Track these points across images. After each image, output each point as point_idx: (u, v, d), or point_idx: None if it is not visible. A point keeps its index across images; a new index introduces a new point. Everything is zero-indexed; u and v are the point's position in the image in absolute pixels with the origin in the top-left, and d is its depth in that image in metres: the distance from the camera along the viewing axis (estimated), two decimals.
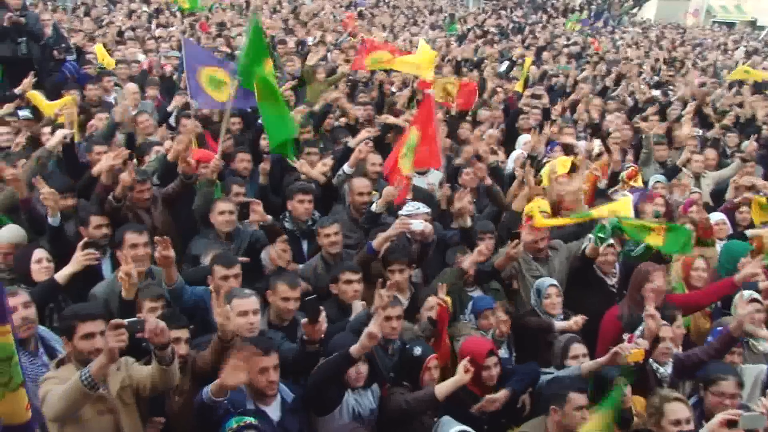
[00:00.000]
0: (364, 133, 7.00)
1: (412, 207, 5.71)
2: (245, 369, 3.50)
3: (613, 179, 7.46)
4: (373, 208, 5.73)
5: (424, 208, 5.75)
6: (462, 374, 3.99)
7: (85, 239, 4.71)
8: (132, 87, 8.77)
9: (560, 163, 7.20)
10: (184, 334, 3.96)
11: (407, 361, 4.30)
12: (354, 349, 3.81)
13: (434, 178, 7.28)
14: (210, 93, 6.70)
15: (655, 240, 5.39)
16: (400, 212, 5.61)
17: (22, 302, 3.90)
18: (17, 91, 8.14)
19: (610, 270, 5.67)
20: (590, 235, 5.48)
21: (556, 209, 6.30)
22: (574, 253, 5.70)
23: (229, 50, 11.93)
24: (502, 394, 4.28)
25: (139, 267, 4.52)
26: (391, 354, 4.55)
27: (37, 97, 7.66)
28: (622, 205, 5.82)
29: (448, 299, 4.81)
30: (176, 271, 4.44)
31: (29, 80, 8.14)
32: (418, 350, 4.27)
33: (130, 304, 4.14)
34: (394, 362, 4.45)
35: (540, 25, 23.98)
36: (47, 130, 6.83)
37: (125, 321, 3.31)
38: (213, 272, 4.59)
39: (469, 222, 5.74)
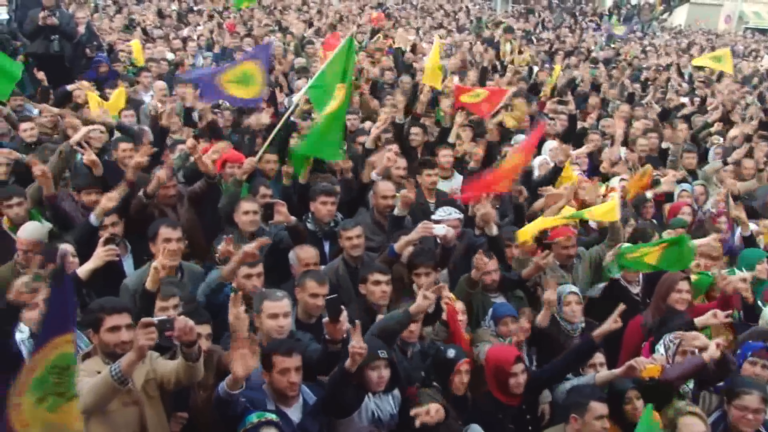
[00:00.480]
0: (374, 131, 7.17)
1: (444, 212, 5.73)
2: (252, 355, 3.51)
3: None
4: (396, 211, 5.75)
5: (456, 214, 5.76)
6: None
7: (106, 235, 4.78)
8: (160, 84, 8.89)
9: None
10: (205, 329, 3.99)
11: (439, 362, 4.30)
12: (348, 364, 3.78)
13: (458, 183, 7.27)
14: (234, 91, 6.69)
15: (650, 260, 5.32)
16: (432, 216, 5.62)
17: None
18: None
19: (634, 278, 5.64)
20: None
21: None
22: (595, 259, 5.65)
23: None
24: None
25: (171, 261, 4.60)
26: (410, 358, 4.55)
27: (94, 98, 7.78)
28: (610, 207, 5.77)
29: (452, 296, 4.82)
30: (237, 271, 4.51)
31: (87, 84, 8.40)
32: (451, 353, 4.27)
33: (151, 295, 4.21)
34: (427, 364, 4.45)
35: (568, 29, 23.82)
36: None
37: (155, 319, 3.37)
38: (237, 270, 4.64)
39: (494, 230, 5.70)
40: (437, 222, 5.63)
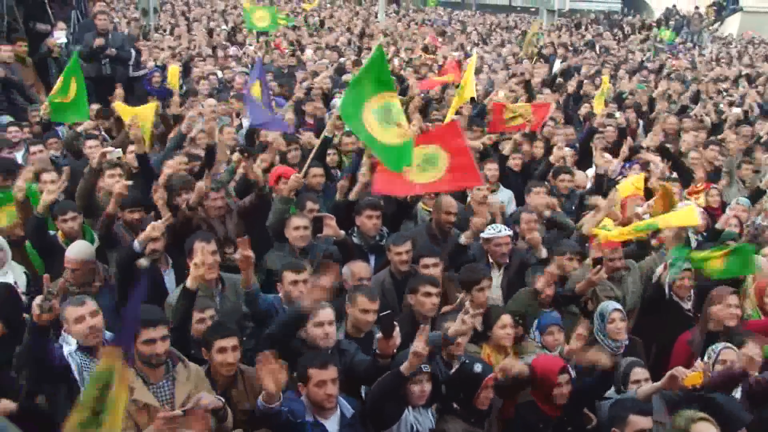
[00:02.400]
0: None
1: (494, 229, 5.69)
2: (278, 370, 3.53)
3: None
4: (461, 240, 5.63)
5: (505, 231, 5.73)
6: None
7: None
8: (210, 101, 9.09)
9: (631, 182, 7.00)
10: (232, 342, 4.01)
11: (465, 377, 4.20)
12: (404, 367, 3.81)
13: (504, 196, 7.24)
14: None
15: (715, 266, 5.21)
16: (482, 234, 5.61)
17: (89, 311, 3.98)
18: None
19: (686, 294, 5.50)
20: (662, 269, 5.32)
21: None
22: (646, 272, 5.54)
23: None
24: None
25: (209, 275, 4.67)
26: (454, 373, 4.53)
27: (121, 107, 8.00)
28: (688, 214, 5.63)
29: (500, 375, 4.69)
30: (254, 275, 4.54)
31: (119, 92, 8.65)
32: (478, 367, 4.16)
33: (191, 294, 4.27)
34: (450, 377, 4.38)
35: (615, 41, 23.54)
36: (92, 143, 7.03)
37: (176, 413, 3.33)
38: (282, 278, 4.69)
39: (544, 253, 5.65)
40: (488, 240, 5.64)
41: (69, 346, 4.04)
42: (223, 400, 3.67)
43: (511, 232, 5.82)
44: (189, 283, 4.27)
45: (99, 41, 10.04)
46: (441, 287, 4.90)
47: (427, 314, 4.75)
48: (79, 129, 7.69)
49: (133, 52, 10.90)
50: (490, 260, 5.77)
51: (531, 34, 18.22)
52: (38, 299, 3.44)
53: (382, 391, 3.90)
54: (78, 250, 4.92)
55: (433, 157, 5.70)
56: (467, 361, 4.27)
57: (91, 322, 3.97)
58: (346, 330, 4.56)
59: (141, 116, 7.42)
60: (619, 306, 5.09)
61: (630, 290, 5.53)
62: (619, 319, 4.96)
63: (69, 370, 3.88)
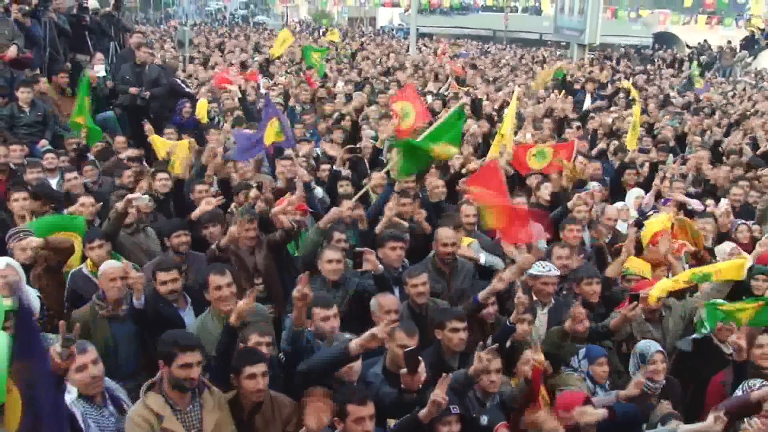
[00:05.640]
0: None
1: (543, 268, 5.57)
2: (326, 412, 3.53)
3: (720, 240, 7.15)
4: (506, 275, 5.19)
5: (554, 271, 5.60)
6: None
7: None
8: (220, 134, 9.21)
9: (659, 220, 6.88)
10: (261, 368, 3.95)
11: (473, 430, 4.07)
12: (422, 414, 3.76)
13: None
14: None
15: (746, 316, 5.04)
16: (529, 272, 5.51)
17: (92, 359, 3.87)
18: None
19: (727, 336, 5.28)
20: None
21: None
22: (689, 313, 5.40)
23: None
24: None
25: (225, 307, 4.65)
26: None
27: (157, 140, 8.19)
28: (737, 266, 5.49)
29: (542, 358, 4.57)
30: (306, 314, 4.48)
31: (149, 127, 8.92)
32: (484, 419, 4.05)
33: (233, 331, 4.27)
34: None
35: (645, 77, 23.40)
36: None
37: None
38: (313, 314, 4.66)
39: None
40: (535, 277, 5.55)
41: (70, 394, 3.85)
42: None
43: (558, 272, 5.67)
44: (232, 319, 4.26)
45: (134, 90, 10.45)
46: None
47: (455, 349, 4.69)
48: (122, 156, 8.02)
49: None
50: (534, 297, 5.57)
51: (553, 68, 18.20)
52: (57, 347, 3.25)
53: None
54: (114, 262, 5.05)
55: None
56: (474, 415, 4.16)
57: (93, 372, 3.86)
58: (386, 364, 4.50)
59: (175, 151, 7.66)
60: (661, 348, 4.97)
61: (671, 331, 5.38)
62: (660, 361, 4.85)
63: (74, 419, 3.69)
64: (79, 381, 3.86)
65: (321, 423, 3.53)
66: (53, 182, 7.47)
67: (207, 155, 7.54)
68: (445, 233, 5.96)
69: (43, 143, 8.83)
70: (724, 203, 8.09)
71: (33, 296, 5.09)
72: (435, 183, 7.59)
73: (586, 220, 7.12)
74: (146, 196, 6.36)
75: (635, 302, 5.11)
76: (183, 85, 11.70)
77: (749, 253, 6.28)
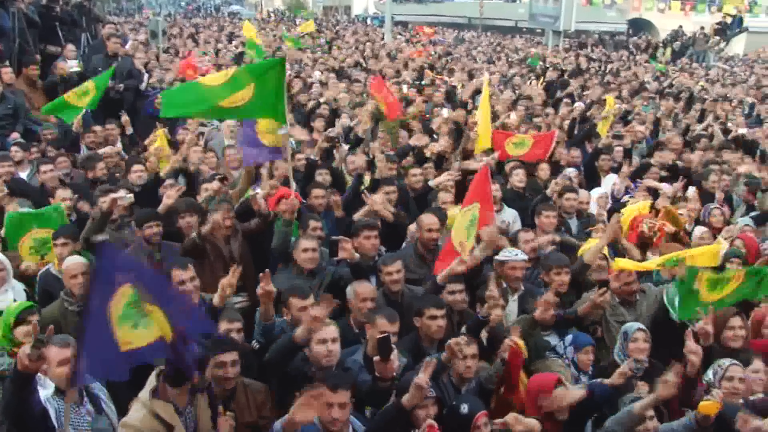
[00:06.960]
0: (445, 176, 7.14)
1: (510, 253, 5.58)
2: (316, 406, 3.53)
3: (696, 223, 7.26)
4: (476, 253, 5.30)
5: (521, 255, 5.59)
6: None
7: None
8: (231, 122, 9.15)
9: (637, 208, 6.97)
10: (231, 357, 4.05)
11: (453, 420, 4.02)
12: (406, 399, 3.77)
13: (508, 215, 7.20)
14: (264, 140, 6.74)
15: (729, 290, 5.05)
16: (496, 257, 5.54)
17: (74, 354, 3.74)
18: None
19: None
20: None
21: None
22: (660, 299, 5.37)
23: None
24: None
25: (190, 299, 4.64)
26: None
27: (163, 140, 8.11)
28: (713, 251, 5.54)
29: (521, 342, 4.61)
30: (273, 308, 4.53)
31: (125, 119, 8.98)
32: (464, 408, 3.99)
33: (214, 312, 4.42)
34: (440, 418, 4.15)
35: (620, 63, 23.58)
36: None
37: None
38: (289, 305, 4.69)
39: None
40: (502, 263, 5.56)
41: (45, 390, 3.76)
42: None
43: (526, 257, 5.64)
44: (216, 301, 4.39)
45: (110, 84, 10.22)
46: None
47: (433, 336, 4.71)
48: (100, 151, 7.97)
49: (146, 77, 11.05)
50: (504, 284, 5.51)
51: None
52: (26, 347, 3.13)
53: (386, 420, 3.86)
54: (76, 258, 5.02)
55: (474, 218, 5.57)
56: (454, 403, 4.14)
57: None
58: (366, 351, 4.52)
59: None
60: (643, 326, 4.95)
61: (644, 315, 5.36)
62: (642, 339, 4.83)
63: (46, 417, 3.58)
64: (59, 375, 3.80)
65: (306, 419, 3.55)
66: (23, 175, 7.40)
67: (185, 149, 7.37)
68: (428, 219, 5.97)
69: (15, 136, 8.69)
70: (692, 190, 8.18)
71: (20, 290, 5.13)
72: (413, 171, 7.62)
73: (573, 209, 7.20)
74: (131, 195, 6.30)
75: (604, 289, 5.07)
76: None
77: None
